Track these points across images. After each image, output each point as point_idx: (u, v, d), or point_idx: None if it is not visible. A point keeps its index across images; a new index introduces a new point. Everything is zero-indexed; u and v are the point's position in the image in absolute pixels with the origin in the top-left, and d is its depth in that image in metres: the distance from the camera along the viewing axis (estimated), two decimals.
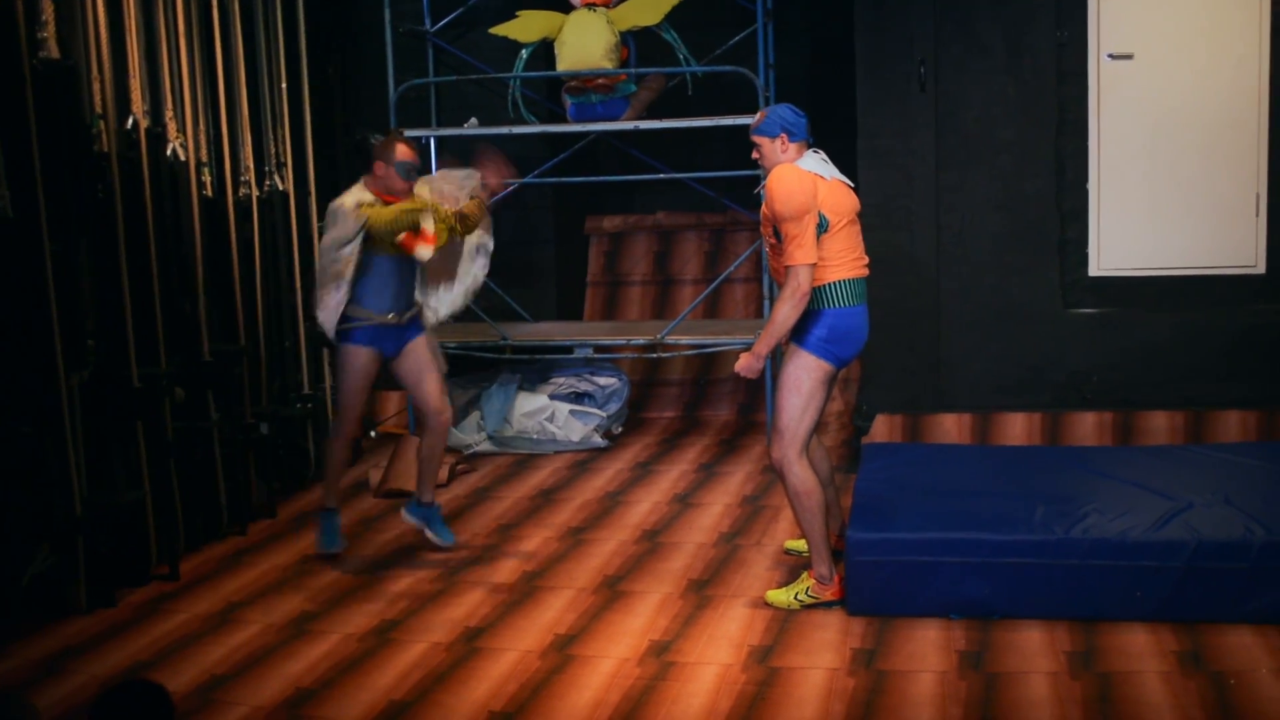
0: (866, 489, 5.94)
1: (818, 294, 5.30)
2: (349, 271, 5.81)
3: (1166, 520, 5.29)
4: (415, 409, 6.25)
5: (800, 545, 6.09)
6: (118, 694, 3.09)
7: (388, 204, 5.87)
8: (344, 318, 5.95)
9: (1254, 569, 5.03)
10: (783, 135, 5.34)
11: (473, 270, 6.36)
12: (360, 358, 6.02)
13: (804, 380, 5.35)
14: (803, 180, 5.24)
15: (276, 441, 7.23)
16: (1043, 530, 5.27)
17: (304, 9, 7.75)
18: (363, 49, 8.90)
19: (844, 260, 5.33)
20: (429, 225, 5.81)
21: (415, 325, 6.16)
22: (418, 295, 6.21)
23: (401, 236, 5.79)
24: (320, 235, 6.42)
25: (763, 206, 5.37)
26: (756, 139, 5.40)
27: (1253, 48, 7.33)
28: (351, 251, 5.77)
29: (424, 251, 5.83)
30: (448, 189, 6.15)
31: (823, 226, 5.24)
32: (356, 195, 5.89)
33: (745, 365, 5.41)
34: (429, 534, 6.28)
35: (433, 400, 6.13)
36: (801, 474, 5.38)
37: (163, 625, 5.54)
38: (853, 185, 5.51)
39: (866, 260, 5.47)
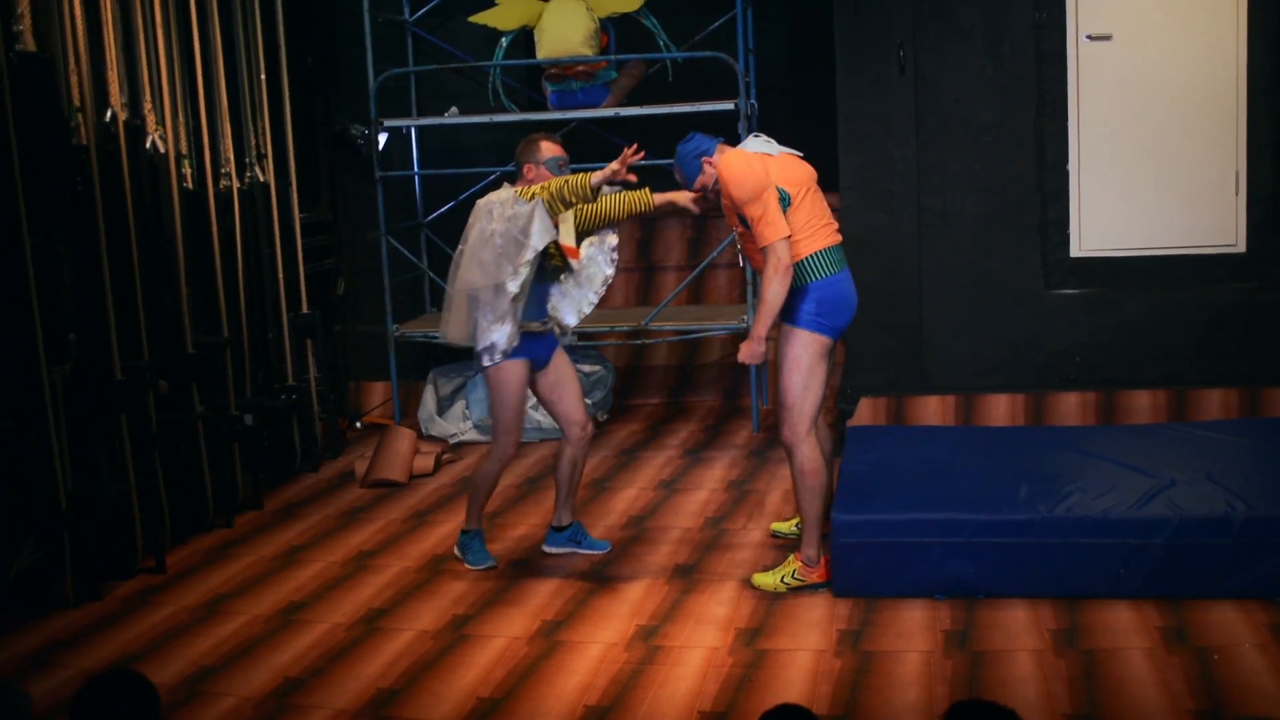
0: (851, 472, 5.96)
1: (798, 269, 5.32)
2: (526, 276, 5.46)
3: (1149, 498, 5.33)
4: (557, 420, 5.98)
5: (785, 528, 6.11)
6: (100, 685, 3.08)
7: None
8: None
9: (1236, 545, 5.06)
10: (704, 159, 5.45)
11: (603, 271, 5.93)
12: (517, 371, 5.68)
13: (802, 357, 5.37)
14: (749, 161, 5.30)
15: (261, 433, 7.22)
16: (1026, 509, 5.30)
17: None
18: (341, 39, 8.87)
19: (814, 231, 5.36)
20: (569, 239, 5.67)
21: (553, 335, 5.93)
22: (550, 304, 5.91)
23: (562, 242, 5.62)
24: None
25: (722, 200, 5.42)
26: (702, 175, 5.48)
27: (1230, 26, 7.35)
28: (541, 240, 5.41)
29: (575, 263, 5.76)
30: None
31: (785, 201, 5.26)
32: (507, 192, 5.60)
33: (749, 352, 5.40)
34: (584, 552, 6.06)
35: (575, 412, 5.90)
36: (809, 453, 5.41)
37: (150, 618, 5.54)
38: (802, 155, 5.53)
39: (837, 226, 5.50)
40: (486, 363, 5.65)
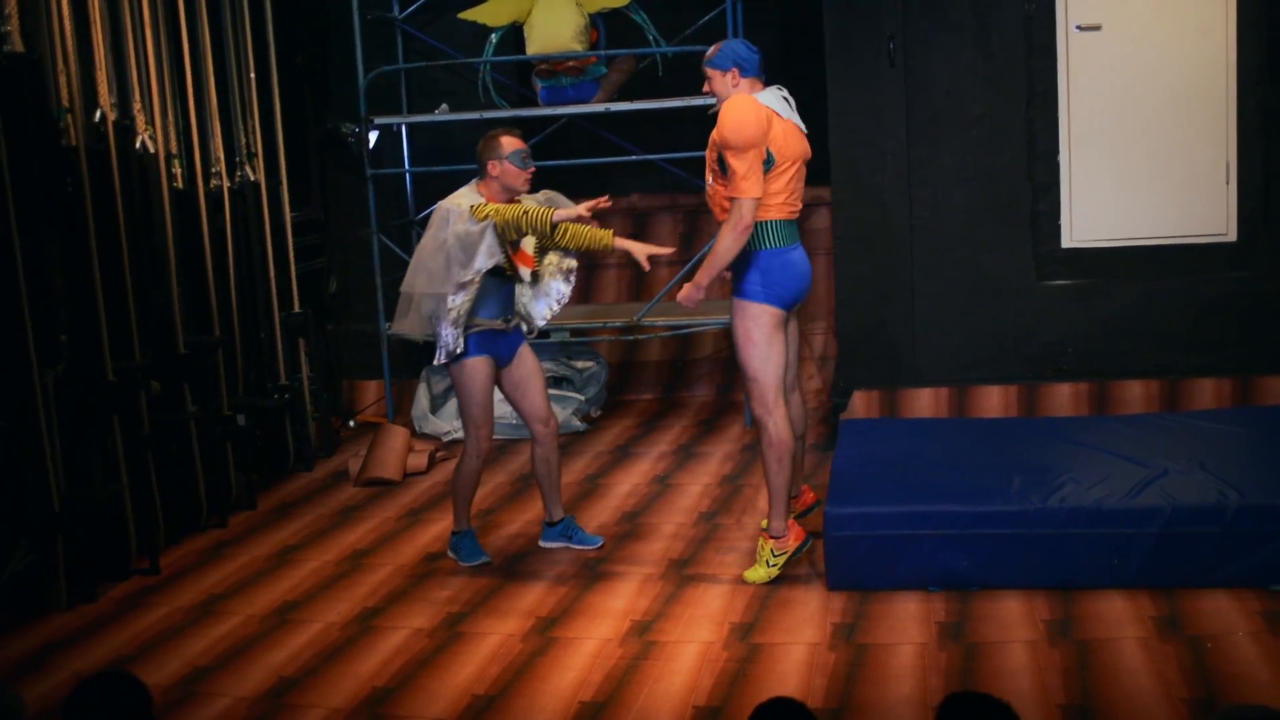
0: (845, 465, 5.96)
1: (752, 234, 5.30)
2: (475, 285, 5.59)
3: (1142, 487, 5.34)
4: (522, 418, 6.05)
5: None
6: (92, 687, 3.08)
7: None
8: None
9: (1228, 533, 5.07)
10: (734, 70, 5.38)
11: (559, 288, 6.03)
12: (480, 368, 5.76)
13: (754, 330, 5.37)
14: (757, 112, 5.25)
15: (254, 432, 7.22)
16: (1020, 501, 5.31)
17: None
18: (331, 36, 8.86)
19: (778, 202, 5.35)
20: (528, 246, 5.78)
21: (519, 333, 5.98)
22: (518, 304, 5.98)
23: (521, 249, 5.69)
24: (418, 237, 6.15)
25: (712, 134, 5.36)
26: (708, 71, 5.43)
27: (1219, 15, 7.35)
28: (486, 262, 5.53)
29: (524, 272, 5.81)
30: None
31: (769, 164, 5.25)
32: (468, 197, 5.68)
33: (686, 295, 5.45)
34: (576, 547, 6.11)
35: (539, 409, 5.96)
36: (777, 424, 5.42)
37: (144, 619, 5.54)
38: (806, 131, 5.52)
39: (799, 206, 5.49)
40: (437, 360, 5.74)
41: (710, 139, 5.38)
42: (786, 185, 5.36)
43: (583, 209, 5.61)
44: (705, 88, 5.46)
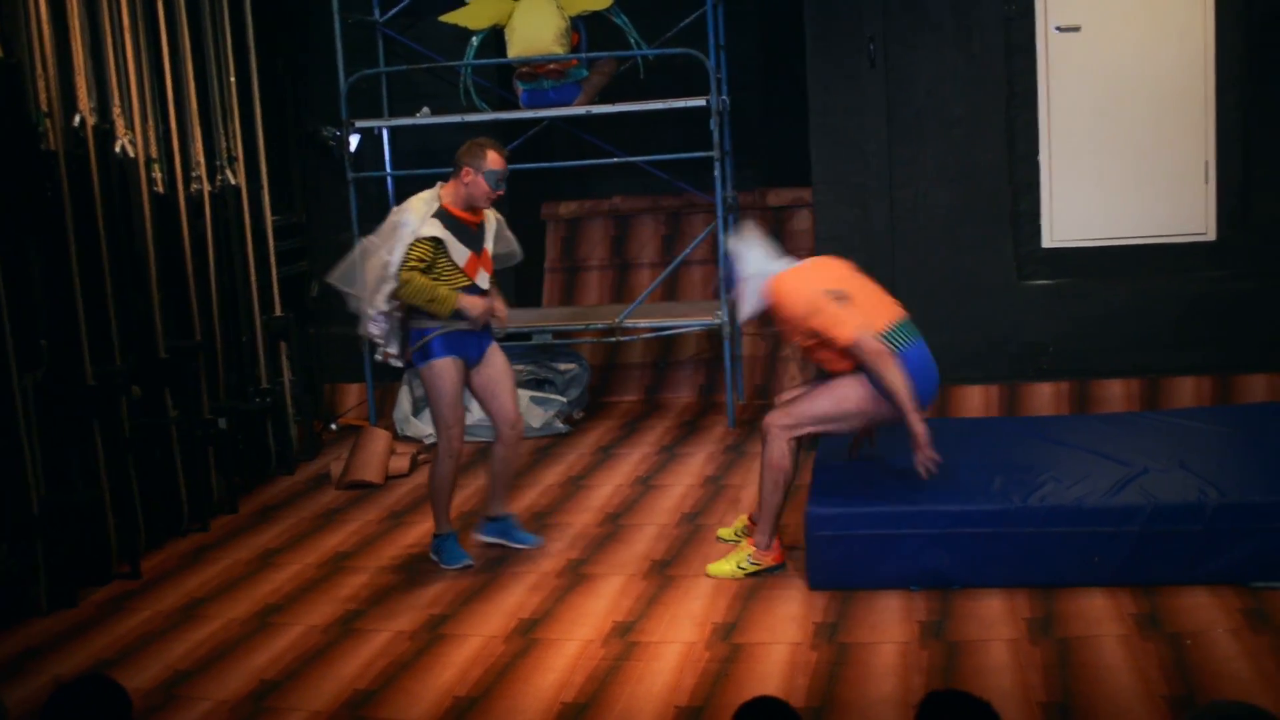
0: (826, 464, 5.96)
1: None
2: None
3: (1122, 486, 5.35)
4: (490, 418, 6.06)
5: (729, 534, 6.08)
6: (70, 691, 3.07)
7: (458, 219, 5.72)
8: (417, 331, 5.79)
9: (1208, 531, 5.08)
10: (754, 277, 5.51)
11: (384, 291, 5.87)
12: (448, 368, 5.78)
13: (851, 398, 5.39)
14: (793, 282, 5.39)
15: (236, 436, 7.20)
16: (1001, 499, 5.32)
17: (251, 1, 7.69)
18: (312, 40, 8.84)
19: (878, 312, 5.43)
20: (490, 248, 5.90)
21: (488, 333, 5.98)
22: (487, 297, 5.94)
23: (465, 263, 5.75)
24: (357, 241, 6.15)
25: (778, 325, 5.51)
26: (755, 310, 5.57)
27: (1198, 16, 7.40)
28: (379, 309, 5.76)
29: (483, 278, 5.85)
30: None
31: (842, 298, 5.33)
32: (425, 207, 5.72)
33: (925, 459, 5.29)
34: (512, 545, 6.11)
35: (507, 411, 5.96)
36: (783, 449, 5.46)
37: (125, 623, 5.52)
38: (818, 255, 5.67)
39: (898, 303, 5.56)
40: (377, 357, 5.91)
41: (782, 328, 5.50)
42: (867, 298, 5.46)
43: (485, 317, 5.79)
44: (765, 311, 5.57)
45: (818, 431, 5.55)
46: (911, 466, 5.59)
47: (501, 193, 5.81)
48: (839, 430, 5.58)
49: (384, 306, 5.76)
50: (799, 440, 5.51)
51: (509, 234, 6.21)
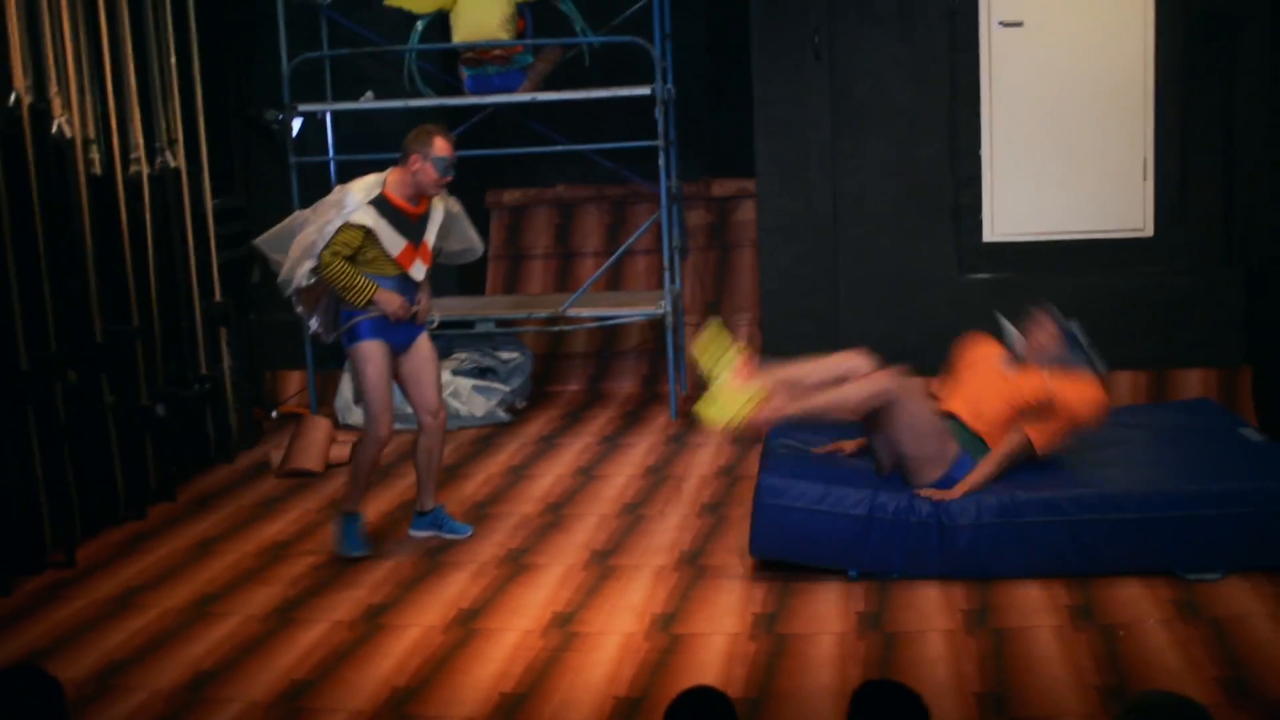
0: (776, 450, 5.95)
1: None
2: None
3: (1056, 477, 5.41)
4: (411, 406, 6.08)
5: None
6: (1, 681, 3.02)
7: (398, 208, 5.70)
8: (347, 313, 5.80)
9: (1140, 523, 5.15)
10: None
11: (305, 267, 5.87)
12: (374, 351, 5.78)
13: (919, 416, 5.44)
14: (1103, 400, 5.47)
15: (174, 423, 7.12)
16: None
17: None
18: (255, 21, 8.75)
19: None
20: (430, 240, 5.89)
21: (415, 321, 5.94)
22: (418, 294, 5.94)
23: (399, 253, 5.73)
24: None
25: (1041, 381, 5.48)
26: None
27: (1138, 14, 7.48)
28: (309, 278, 5.78)
29: (419, 269, 5.83)
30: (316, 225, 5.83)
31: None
32: (364, 194, 5.69)
33: (939, 496, 5.35)
34: (446, 536, 6.11)
35: (428, 401, 5.96)
36: (866, 399, 5.46)
37: (60, 612, 5.45)
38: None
39: None
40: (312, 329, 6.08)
41: (1035, 383, 5.47)
42: None
43: (400, 313, 5.76)
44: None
45: (892, 417, 5.46)
46: (869, 460, 5.63)
47: (450, 179, 5.78)
48: (897, 433, 5.49)
49: (304, 282, 5.78)
50: (873, 410, 5.48)
51: (469, 228, 6.22)
